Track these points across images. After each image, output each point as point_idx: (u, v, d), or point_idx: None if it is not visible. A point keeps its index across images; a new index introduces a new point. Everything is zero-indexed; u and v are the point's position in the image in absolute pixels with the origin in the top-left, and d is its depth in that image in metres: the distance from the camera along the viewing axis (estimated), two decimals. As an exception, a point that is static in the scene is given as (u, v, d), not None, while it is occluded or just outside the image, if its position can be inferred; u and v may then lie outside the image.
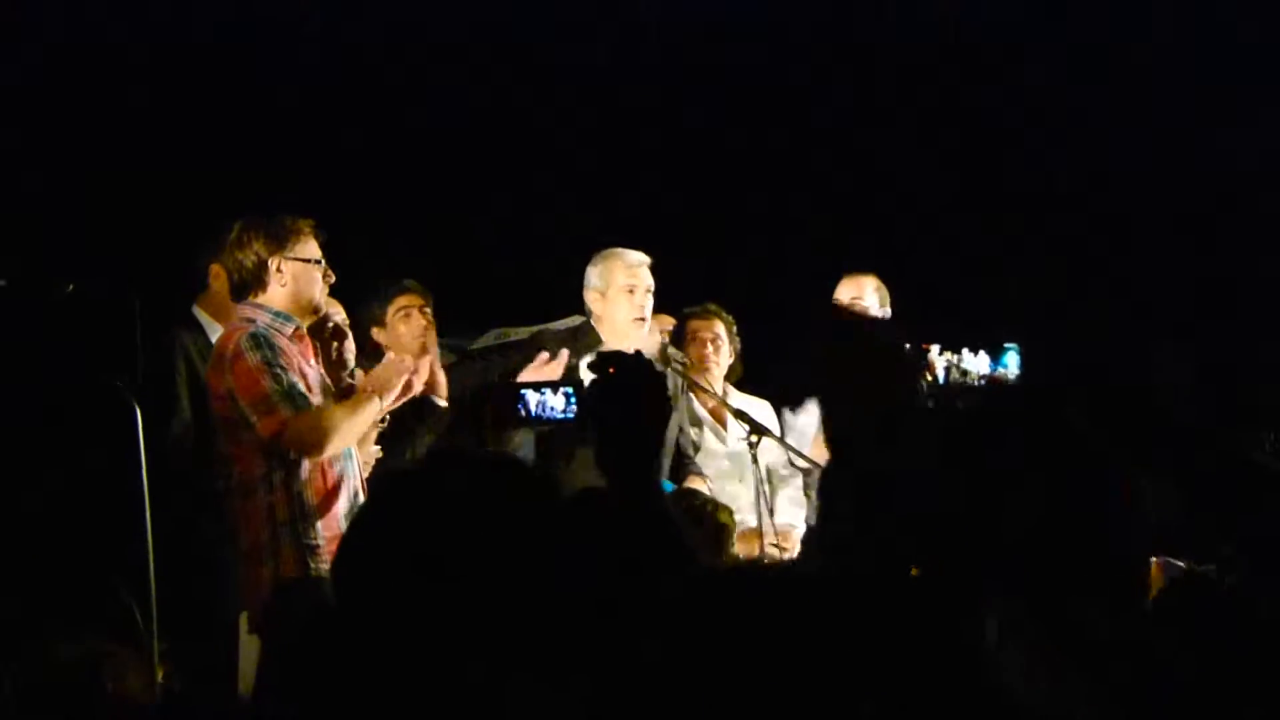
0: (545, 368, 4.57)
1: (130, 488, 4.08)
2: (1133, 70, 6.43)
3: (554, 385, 2.37)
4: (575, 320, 4.96)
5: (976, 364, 4.32)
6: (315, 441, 3.99)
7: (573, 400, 2.34)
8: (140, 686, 2.36)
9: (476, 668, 1.52)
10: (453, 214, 6.30)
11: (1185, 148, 6.33)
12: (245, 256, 4.17)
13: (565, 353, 4.67)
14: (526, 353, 4.83)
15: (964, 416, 1.51)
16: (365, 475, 4.27)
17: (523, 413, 2.40)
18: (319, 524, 4.08)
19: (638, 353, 2.07)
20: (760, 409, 5.26)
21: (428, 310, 5.00)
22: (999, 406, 1.50)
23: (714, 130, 6.71)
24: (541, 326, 5.00)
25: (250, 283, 4.15)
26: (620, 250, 4.96)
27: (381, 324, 4.98)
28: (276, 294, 4.16)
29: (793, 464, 5.07)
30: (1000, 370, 4.25)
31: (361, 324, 4.89)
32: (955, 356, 4.45)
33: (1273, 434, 5.10)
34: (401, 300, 4.97)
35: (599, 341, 4.78)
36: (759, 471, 4.81)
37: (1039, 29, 6.60)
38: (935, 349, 4.43)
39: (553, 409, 2.36)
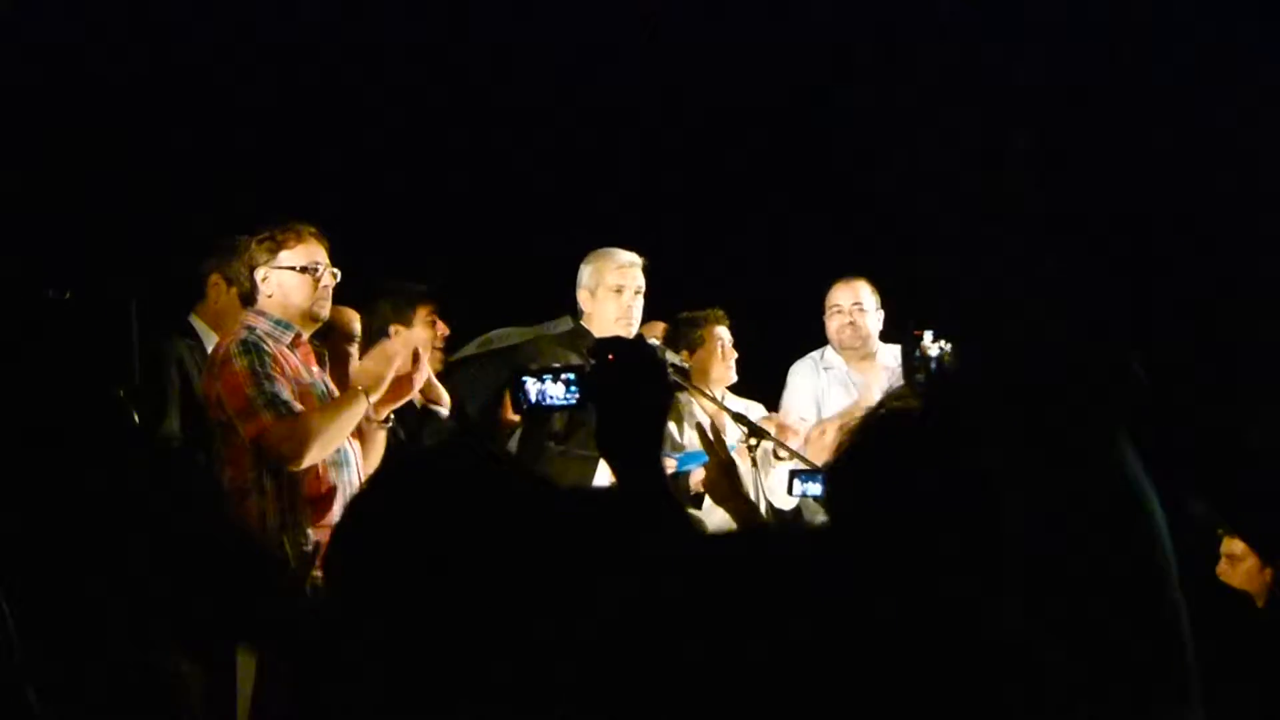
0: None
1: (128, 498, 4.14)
2: (1126, 66, 6.53)
3: (554, 372, 2.43)
4: (566, 323, 5.02)
5: (970, 350, 4.43)
6: (295, 448, 4.08)
7: (573, 387, 2.40)
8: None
9: (471, 668, 1.55)
10: (448, 214, 6.37)
11: (1186, 143, 6.42)
12: (241, 266, 4.37)
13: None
14: (527, 355, 4.90)
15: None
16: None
17: (523, 401, 2.45)
18: (310, 530, 4.15)
19: (639, 337, 2.14)
20: (755, 412, 5.36)
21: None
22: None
23: (701, 131, 6.79)
24: (536, 331, 5.06)
25: (251, 291, 4.32)
26: (612, 250, 5.05)
27: (408, 324, 5.05)
28: (268, 302, 4.26)
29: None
30: None
31: (375, 321, 4.97)
32: (948, 345, 4.55)
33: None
34: (431, 305, 5.09)
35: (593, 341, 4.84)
36: (758, 475, 4.88)
37: (1038, 21, 6.68)
38: (929, 335, 4.53)
39: (553, 397, 2.42)
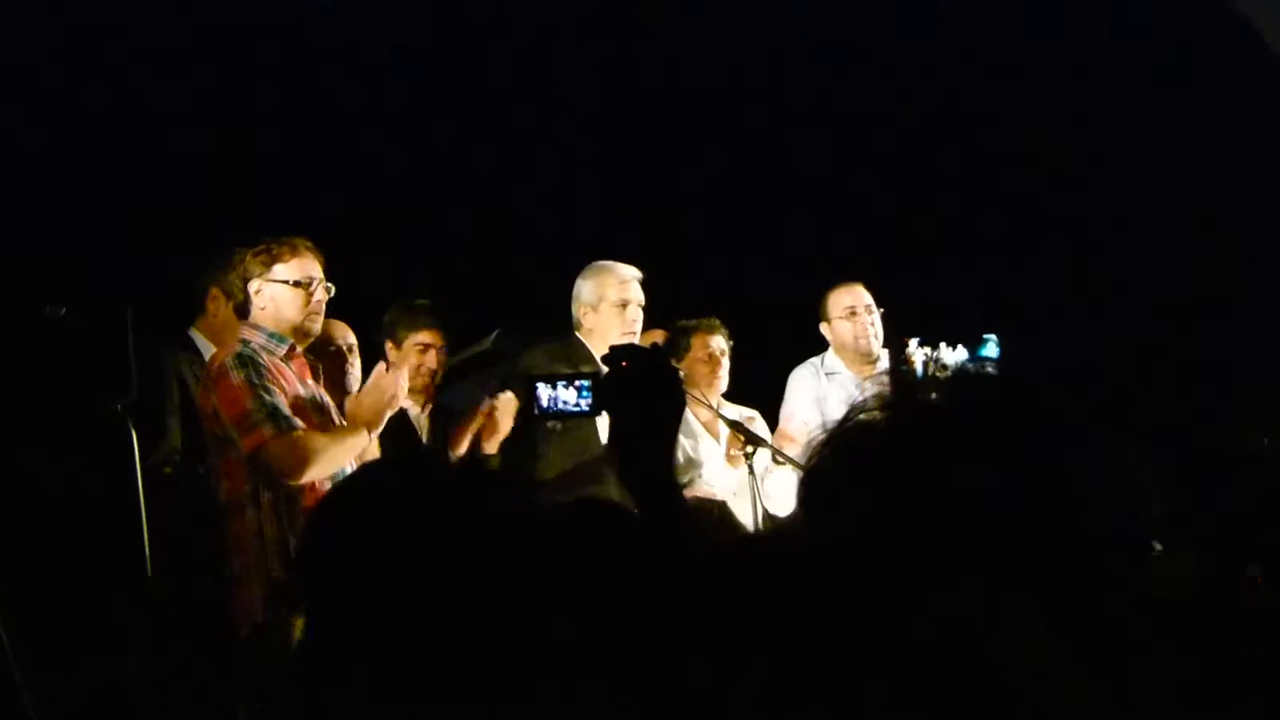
0: None
1: (127, 511, 4.14)
2: (1125, 68, 6.54)
3: (568, 379, 2.42)
4: (485, 343, 5.04)
5: (955, 358, 4.44)
6: (294, 464, 4.10)
7: (585, 393, 2.39)
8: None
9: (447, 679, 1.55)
10: (445, 220, 6.37)
11: (1185, 143, 6.43)
12: (235, 279, 4.40)
13: None
14: (510, 364, 4.90)
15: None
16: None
17: (535, 407, 2.44)
18: (307, 544, 4.12)
19: (654, 345, 2.12)
20: (751, 419, 5.34)
21: (443, 351, 5.13)
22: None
23: (698, 135, 6.80)
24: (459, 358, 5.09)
25: (245, 304, 4.34)
26: (612, 264, 5.07)
27: (398, 346, 5.07)
28: (261, 315, 4.29)
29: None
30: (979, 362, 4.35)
31: (376, 337, 4.96)
32: (934, 351, 4.56)
33: (1266, 439, 5.21)
34: (425, 335, 5.07)
35: (590, 356, 4.84)
36: (755, 483, 4.86)
37: (1038, 26, 6.70)
38: (914, 343, 4.53)
39: (564, 403, 2.41)
